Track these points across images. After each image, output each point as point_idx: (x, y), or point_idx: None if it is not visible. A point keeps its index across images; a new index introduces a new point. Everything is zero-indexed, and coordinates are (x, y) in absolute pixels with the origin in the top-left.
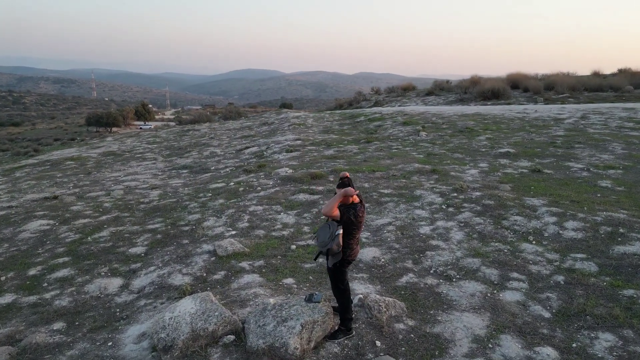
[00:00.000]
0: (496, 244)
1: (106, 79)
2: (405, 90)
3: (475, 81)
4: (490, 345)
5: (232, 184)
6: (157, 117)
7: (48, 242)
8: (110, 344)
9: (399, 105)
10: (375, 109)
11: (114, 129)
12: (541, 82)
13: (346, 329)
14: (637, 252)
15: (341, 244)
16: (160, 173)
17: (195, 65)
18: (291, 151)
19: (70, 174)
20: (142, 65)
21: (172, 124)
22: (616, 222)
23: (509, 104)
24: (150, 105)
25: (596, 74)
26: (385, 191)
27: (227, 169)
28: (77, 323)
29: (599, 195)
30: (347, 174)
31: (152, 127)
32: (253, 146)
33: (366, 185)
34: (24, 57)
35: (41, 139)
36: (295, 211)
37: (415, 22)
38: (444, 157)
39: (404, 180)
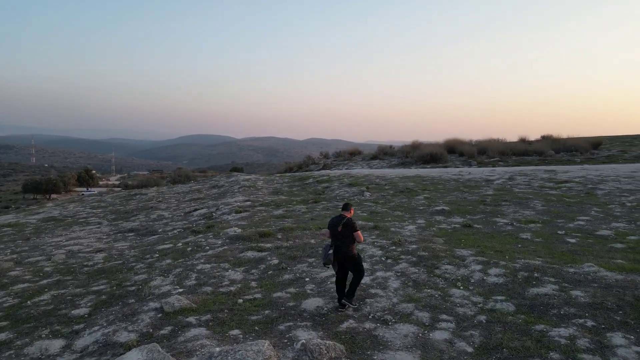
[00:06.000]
0: (429, 290)
1: (47, 145)
2: (352, 155)
3: (415, 146)
4: None
5: (179, 244)
6: (101, 182)
7: None
8: None
9: (346, 168)
10: (323, 171)
11: (54, 196)
12: (475, 147)
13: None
14: (547, 292)
15: (333, 259)
16: (105, 237)
17: (143, 130)
18: (240, 212)
19: (7, 240)
20: (87, 131)
21: (118, 189)
22: (532, 268)
23: (446, 166)
24: (94, 171)
25: (523, 140)
26: None
27: (175, 231)
28: None
29: (519, 245)
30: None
31: (96, 193)
32: (202, 208)
33: (312, 241)
34: None
35: None
36: (243, 268)
37: (365, 91)
38: (386, 214)
39: None
